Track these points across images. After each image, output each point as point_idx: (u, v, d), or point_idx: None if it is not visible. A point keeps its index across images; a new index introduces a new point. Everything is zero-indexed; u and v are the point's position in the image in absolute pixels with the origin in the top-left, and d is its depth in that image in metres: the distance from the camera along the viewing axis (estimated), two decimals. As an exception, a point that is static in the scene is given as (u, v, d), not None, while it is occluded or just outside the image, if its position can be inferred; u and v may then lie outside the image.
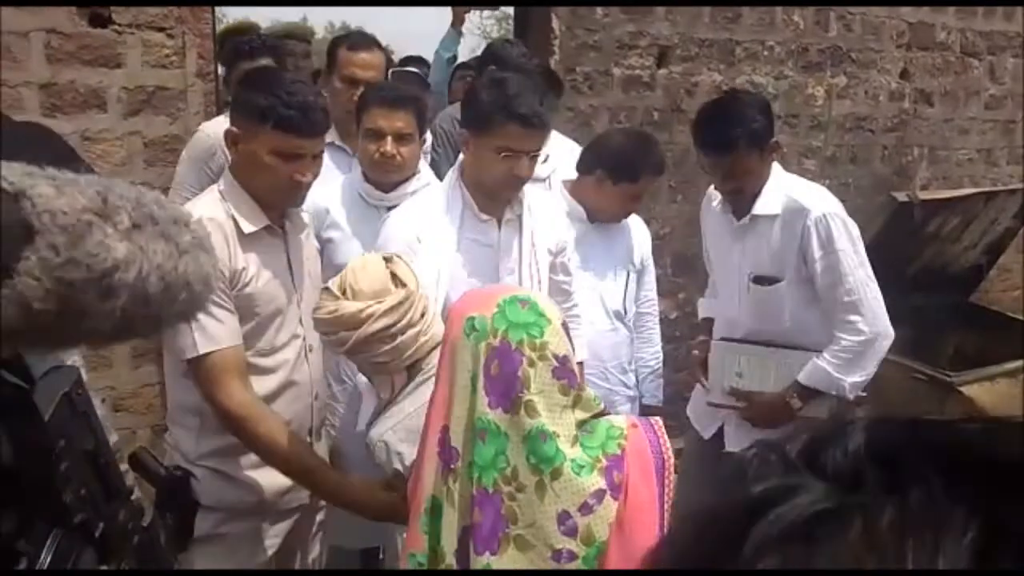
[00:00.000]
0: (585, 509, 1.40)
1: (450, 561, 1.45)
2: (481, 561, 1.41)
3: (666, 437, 1.51)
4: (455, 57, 4.19)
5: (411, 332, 1.71)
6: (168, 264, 0.91)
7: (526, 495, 1.40)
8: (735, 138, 2.40)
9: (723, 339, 2.71)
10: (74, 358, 1.28)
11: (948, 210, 4.21)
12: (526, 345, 1.41)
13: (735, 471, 0.42)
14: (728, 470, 0.43)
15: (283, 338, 2.00)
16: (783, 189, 2.54)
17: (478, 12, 19.85)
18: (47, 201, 0.83)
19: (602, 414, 1.52)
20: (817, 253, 2.46)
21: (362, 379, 2.01)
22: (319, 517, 2.20)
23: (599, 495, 1.41)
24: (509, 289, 1.67)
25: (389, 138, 2.35)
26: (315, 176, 1.96)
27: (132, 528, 1.12)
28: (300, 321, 2.03)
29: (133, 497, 1.15)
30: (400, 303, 1.69)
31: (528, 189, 2.32)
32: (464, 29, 4.28)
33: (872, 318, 2.48)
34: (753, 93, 3.35)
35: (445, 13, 4.14)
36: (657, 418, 1.56)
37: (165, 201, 0.99)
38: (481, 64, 3.25)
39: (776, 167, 2.56)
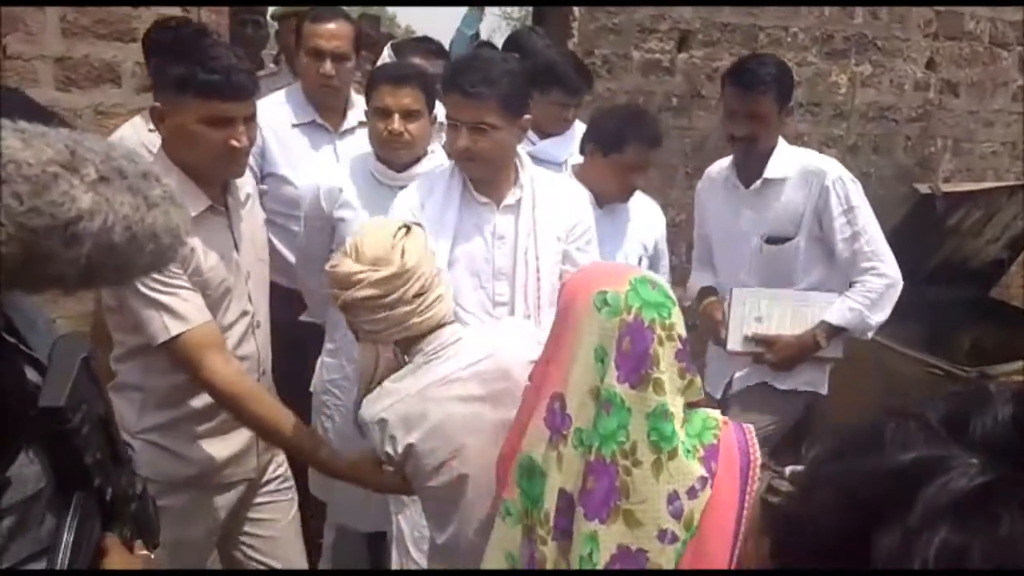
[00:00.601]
0: (692, 493, 1.43)
1: (549, 524, 1.47)
2: (589, 527, 1.44)
3: (756, 441, 1.52)
4: (478, 34, 4.15)
5: (402, 309, 1.67)
6: (135, 215, 0.93)
7: (641, 471, 1.43)
8: (769, 79, 2.61)
9: (736, 289, 2.74)
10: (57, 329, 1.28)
11: (971, 203, 4.13)
12: (657, 324, 1.44)
13: (871, 439, 0.42)
14: (862, 437, 0.43)
15: (232, 316, 1.98)
16: (791, 155, 2.74)
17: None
18: (13, 152, 0.86)
19: (699, 404, 1.55)
20: (836, 211, 2.65)
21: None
22: (275, 486, 2.16)
23: (703, 481, 1.44)
24: (636, 269, 1.68)
25: (396, 115, 2.33)
26: (251, 141, 1.91)
27: (131, 495, 1.14)
28: (248, 298, 2.02)
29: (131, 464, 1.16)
30: (392, 276, 1.65)
31: (538, 173, 2.29)
32: (486, 11, 4.25)
33: (891, 264, 2.70)
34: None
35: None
36: (750, 425, 1.56)
37: (137, 156, 1.00)
38: (504, 51, 3.22)
39: (780, 138, 2.73)
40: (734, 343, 2.75)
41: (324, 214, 2.44)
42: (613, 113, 2.81)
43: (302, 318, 2.65)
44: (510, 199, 2.21)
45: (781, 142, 2.73)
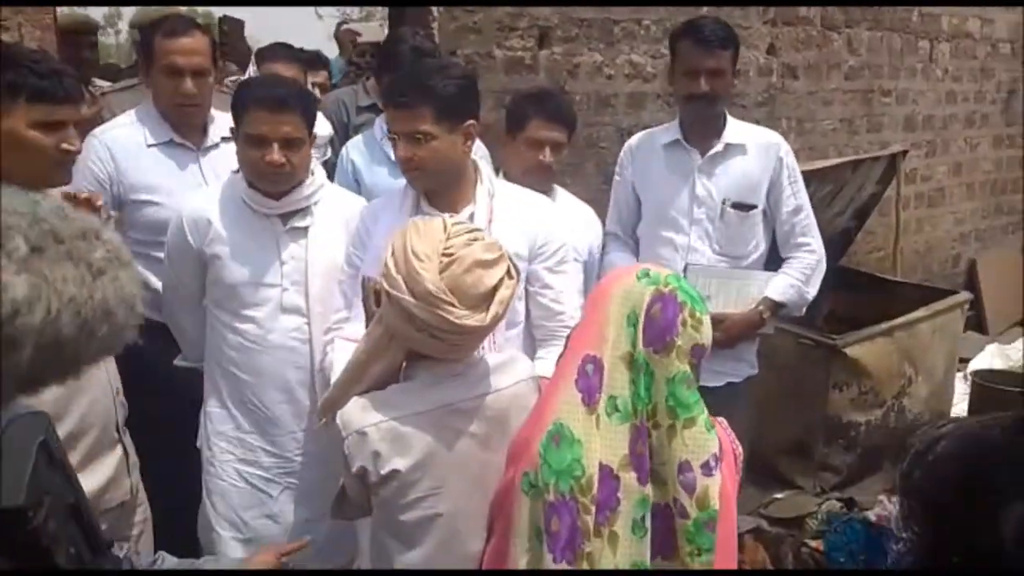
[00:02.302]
0: (706, 469, 1.46)
1: (592, 492, 1.45)
2: (642, 491, 1.48)
3: (733, 434, 1.59)
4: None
5: (399, 324, 1.57)
6: (82, 294, 0.76)
7: (659, 434, 1.47)
8: (728, 36, 2.68)
9: (691, 265, 2.76)
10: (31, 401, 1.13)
11: (820, 179, 4.36)
12: (688, 309, 1.50)
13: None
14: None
15: None
16: (740, 124, 2.84)
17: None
18: None
19: None
20: (786, 183, 2.77)
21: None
22: (137, 516, 2.08)
23: (716, 459, 1.47)
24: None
25: (275, 145, 2.11)
26: (78, 148, 1.92)
27: None
28: None
29: (112, 549, 1.07)
30: (388, 293, 1.56)
31: (505, 188, 2.22)
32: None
33: (820, 242, 2.85)
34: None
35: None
36: (722, 419, 1.60)
37: (68, 208, 0.83)
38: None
39: None
40: None
41: (192, 249, 2.24)
42: (518, 95, 2.83)
43: (177, 362, 2.44)
44: (463, 213, 2.12)
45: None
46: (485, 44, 3.71)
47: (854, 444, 3.89)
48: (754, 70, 4.72)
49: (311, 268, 2.22)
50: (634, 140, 2.97)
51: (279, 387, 2.24)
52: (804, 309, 2.90)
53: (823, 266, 2.85)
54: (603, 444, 1.47)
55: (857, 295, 4.68)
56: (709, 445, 1.47)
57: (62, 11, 5.94)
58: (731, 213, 2.75)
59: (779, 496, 3.69)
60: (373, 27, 7.59)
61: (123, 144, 2.51)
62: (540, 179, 2.62)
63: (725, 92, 2.74)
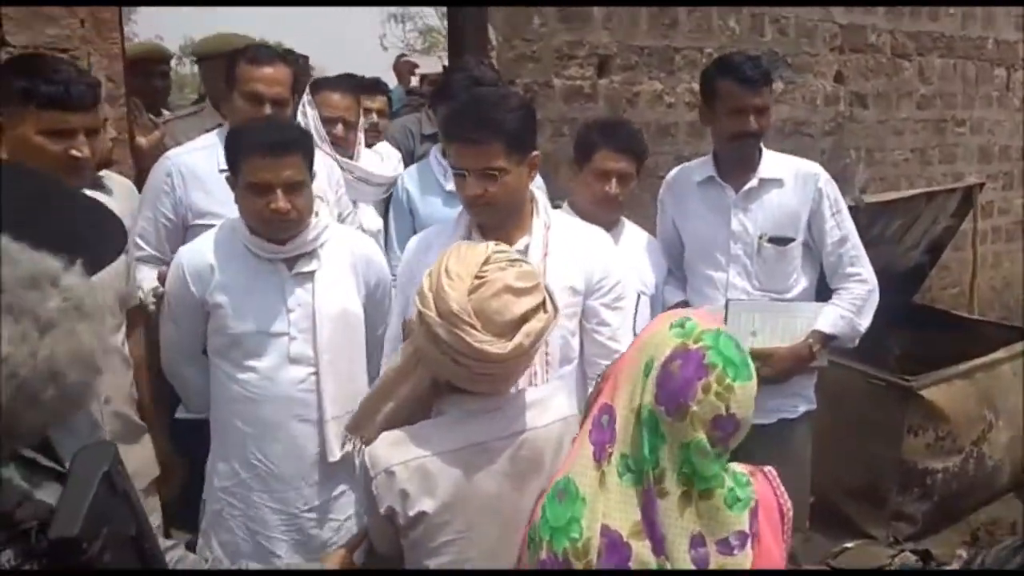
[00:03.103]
0: (723, 547, 1.30)
1: (590, 557, 1.31)
2: (658, 563, 1.31)
3: (783, 488, 1.43)
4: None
5: (426, 344, 1.49)
6: (20, 352, 0.68)
7: (666, 503, 1.31)
8: (768, 72, 2.66)
9: (732, 300, 2.67)
10: (103, 433, 1.10)
11: (892, 212, 4.20)
12: (714, 375, 1.31)
13: None
14: None
15: None
16: (776, 156, 2.74)
17: (400, 25, 19.66)
18: None
19: None
20: (828, 213, 2.68)
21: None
22: None
23: (742, 538, 1.31)
24: (738, 331, 1.52)
25: (279, 191, 2.02)
26: (94, 154, 1.92)
27: None
28: None
29: None
30: (420, 319, 1.48)
31: (562, 220, 2.14)
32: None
33: (870, 272, 2.72)
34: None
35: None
36: (771, 468, 1.45)
37: (14, 249, 0.72)
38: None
39: None
40: None
41: (194, 298, 2.14)
42: (587, 125, 2.78)
43: (179, 415, 2.35)
44: (518, 245, 2.04)
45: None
46: (544, 73, 3.66)
47: (930, 492, 3.67)
48: (821, 98, 4.58)
49: (319, 314, 2.12)
50: (671, 175, 2.93)
51: (283, 440, 2.13)
52: (856, 341, 2.76)
53: (875, 296, 2.72)
54: (610, 507, 1.33)
55: (931, 334, 4.46)
56: (730, 523, 1.31)
57: (135, 40, 6.09)
58: (768, 248, 2.68)
59: (849, 546, 3.48)
60: (431, 60, 7.66)
61: (193, 168, 2.48)
62: (607, 211, 2.56)
63: (768, 127, 2.71)
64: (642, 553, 1.30)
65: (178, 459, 2.34)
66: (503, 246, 1.60)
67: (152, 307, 2.31)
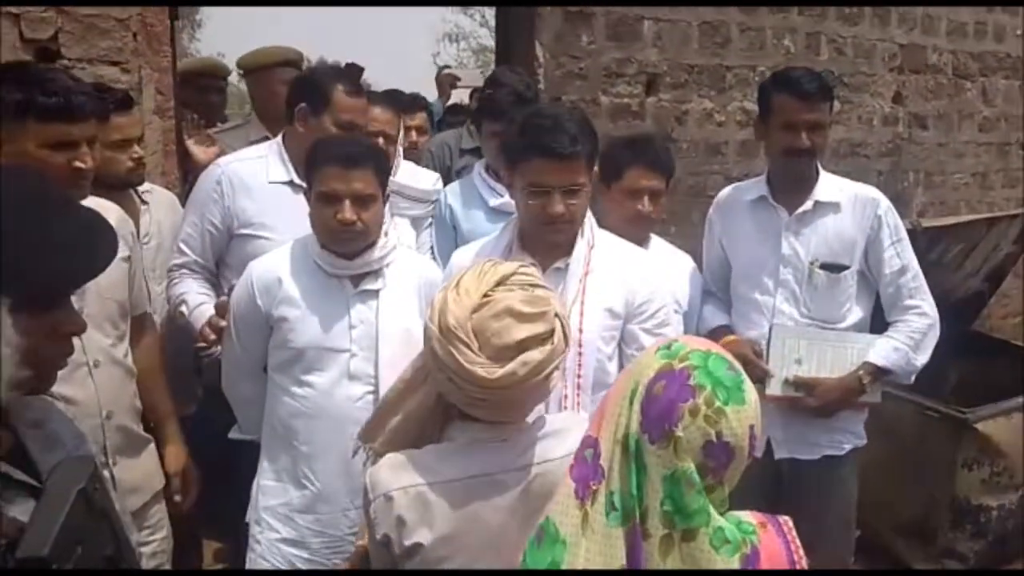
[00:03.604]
0: None
1: None
2: None
3: (798, 541, 1.27)
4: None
5: (429, 359, 1.45)
6: None
7: (649, 545, 1.18)
8: (825, 87, 2.51)
9: (777, 325, 2.56)
10: (89, 447, 1.10)
11: (951, 237, 4.05)
12: (702, 396, 1.19)
13: None
14: None
15: None
16: (833, 179, 2.61)
17: (454, 44, 19.90)
18: None
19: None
20: (887, 242, 2.55)
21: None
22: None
23: None
24: (734, 351, 1.44)
25: (347, 202, 2.03)
26: (95, 163, 1.89)
27: None
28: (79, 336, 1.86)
29: None
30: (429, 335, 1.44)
31: (609, 241, 2.10)
32: (438, 62, 4.16)
33: (931, 304, 2.58)
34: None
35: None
36: (787, 518, 1.31)
37: None
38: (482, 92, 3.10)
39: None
40: (774, 387, 2.53)
41: (260, 312, 2.13)
42: (614, 142, 2.67)
43: (232, 435, 2.33)
44: (559, 263, 2.01)
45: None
46: (591, 90, 3.64)
47: (984, 530, 3.51)
48: (878, 119, 4.47)
49: (382, 333, 2.10)
50: (722, 195, 2.81)
51: (336, 457, 2.07)
52: (912, 378, 2.61)
53: (936, 331, 2.58)
54: (593, 551, 1.21)
55: (989, 364, 4.29)
56: (715, 565, 1.17)
57: (192, 55, 6.24)
58: (820, 274, 2.55)
59: (897, 582, 3.37)
60: (473, 72, 7.67)
61: (243, 177, 2.47)
62: (639, 229, 2.49)
63: (824, 146, 2.57)
64: None
65: (196, 470, 2.32)
66: (530, 269, 1.54)
67: (203, 324, 2.29)
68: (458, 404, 1.46)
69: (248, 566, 2.16)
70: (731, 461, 1.21)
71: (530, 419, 1.54)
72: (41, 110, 1.78)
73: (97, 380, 1.93)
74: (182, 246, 2.47)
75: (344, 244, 2.10)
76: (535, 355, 1.39)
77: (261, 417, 2.20)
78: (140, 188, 2.57)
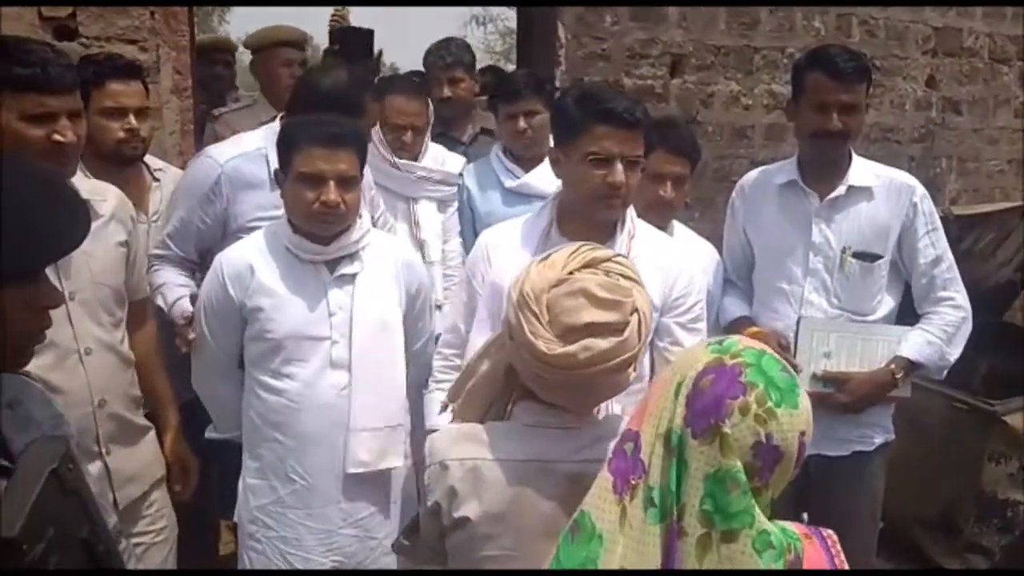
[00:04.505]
0: None
1: None
2: None
3: (843, 555, 1.21)
4: None
5: (506, 326, 1.43)
6: None
7: (684, 544, 1.13)
8: (862, 67, 2.41)
9: (805, 318, 2.47)
10: (67, 428, 1.09)
11: (983, 225, 3.95)
12: (754, 395, 1.14)
13: None
14: None
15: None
16: (867, 164, 2.51)
17: (481, 27, 19.79)
18: None
19: None
20: (922, 230, 2.46)
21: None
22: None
23: None
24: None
25: (332, 183, 1.97)
26: (78, 138, 1.82)
27: None
28: (70, 322, 1.84)
29: None
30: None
31: (648, 232, 2.04)
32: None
33: (965, 296, 2.51)
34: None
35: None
36: (831, 532, 1.25)
37: None
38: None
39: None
40: (802, 382, 2.46)
41: (233, 303, 2.05)
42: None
43: (209, 435, 2.25)
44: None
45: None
46: (614, 72, 3.57)
47: (1010, 525, 3.44)
48: (911, 103, 4.36)
49: (356, 319, 2.05)
50: (746, 179, 2.70)
51: (324, 451, 2.05)
52: (944, 372, 2.53)
53: (969, 325, 2.49)
54: (631, 547, 1.16)
55: (1019, 356, 4.19)
56: (757, 568, 1.11)
57: (200, 32, 6.25)
58: (853, 263, 2.45)
59: (919, 576, 3.31)
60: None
61: (243, 177, 2.34)
62: (661, 215, 2.40)
63: (858, 129, 2.45)
64: None
65: (193, 459, 2.28)
66: (627, 261, 1.50)
67: (182, 323, 2.22)
68: (523, 377, 1.44)
69: (248, 566, 2.12)
70: (778, 464, 1.15)
71: (601, 415, 1.51)
72: (17, 81, 1.74)
73: (88, 367, 1.89)
74: (168, 241, 2.35)
75: (325, 227, 2.04)
76: (600, 343, 1.34)
77: (237, 414, 2.14)
78: (153, 166, 2.51)
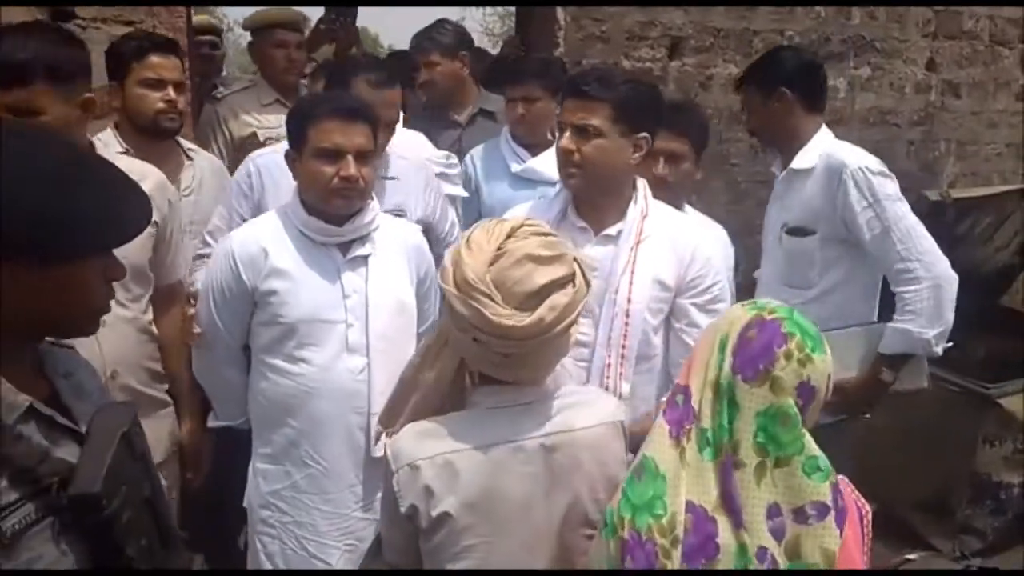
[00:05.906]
0: (799, 516, 1.27)
1: (675, 533, 1.28)
2: (739, 537, 1.27)
3: (857, 492, 1.39)
4: None
5: (448, 323, 1.43)
6: None
7: (743, 474, 1.28)
8: (749, 71, 2.69)
9: None
10: (110, 396, 1.15)
11: (980, 209, 3.95)
12: (794, 342, 1.31)
13: None
14: None
15: None
16: (823, 146, 2.58)
17: (480, 9, 19.64)
18: None
19: None
20: (858, 206, 2.46)
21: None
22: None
23: (821, 509, 1.27)
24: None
25: (350, 157, 1.93)
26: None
27: None
28: None
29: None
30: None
31: (664, 212, 2.04)
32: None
33: (928, 263, 2.43)
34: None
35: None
36: (843, 477, 1.38)
37: None
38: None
39: (824, 130, 2.62)
40: None
41: (245, 287, 2.01)
42: None
43: (210, 424, 2.22)
44: (611, 229, 1.97)
45: (821, 132, 2.61)
46: (612, 54, 3.56)
47: (1003, 507, 3.47)
48: (910, 86, 4.35)
49: (372, 301, 2.02)
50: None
51: (339, 435, 2.01)
52: (939, 347, 2.47)
53: (943, 290, 2.42)
54: (692, 482, 1.30)
55: (1016, 339, 4.21)
56: (807, 491, 1.27)
57: (196, 14, 6.25)
58: (787, 239, 2.61)
59: (912, 557, 3.34)
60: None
61: (273, 171, 2.37)
62: (656, 192, 2.40)
63: (758, 124, 2.68)
64: (726, 527, 1.28)
65: (208, 447, 2.28)
66: (534, 220, 1.50)
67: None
68: (482, 368, 1.44)
69: (261, 551, 2.10)
70: (812, 401, 1.31)
71: (552, 388, 1.51)
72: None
73: (102, 339, 1.86)
74: (208, 238, 2.40)
75: (344, 204, 2.00)
76: (560, 298, 1.38)
77: (242, 402, 2.12)
78: (186, 147, 2.57)
